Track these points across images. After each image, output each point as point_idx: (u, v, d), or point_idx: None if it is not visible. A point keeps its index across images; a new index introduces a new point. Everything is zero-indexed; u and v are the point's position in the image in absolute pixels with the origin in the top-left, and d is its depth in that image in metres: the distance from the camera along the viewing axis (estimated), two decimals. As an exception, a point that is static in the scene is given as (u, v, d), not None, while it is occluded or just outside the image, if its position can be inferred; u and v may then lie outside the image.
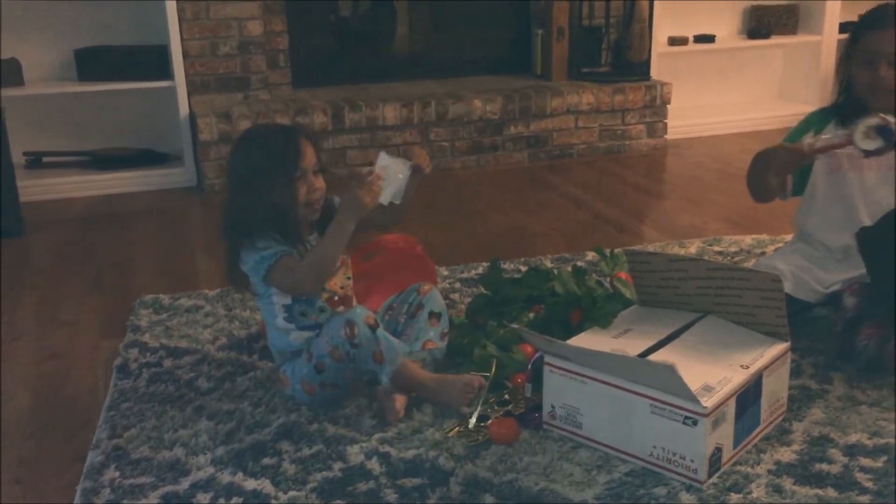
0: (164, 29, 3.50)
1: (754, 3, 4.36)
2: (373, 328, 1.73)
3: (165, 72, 3.56)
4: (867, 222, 2.02)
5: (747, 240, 2.77)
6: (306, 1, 3.88)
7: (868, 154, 1.87)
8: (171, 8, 3.46)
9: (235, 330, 2.20)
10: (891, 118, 1.83)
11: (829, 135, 1.95)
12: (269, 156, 1.75)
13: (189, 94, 3.59)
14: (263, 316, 1.87)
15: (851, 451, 1.63)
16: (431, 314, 1.92)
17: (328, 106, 3.58)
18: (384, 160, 1.77)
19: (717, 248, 2.72)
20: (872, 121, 1.83)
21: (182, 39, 3.53)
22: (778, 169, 2.00)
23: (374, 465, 1.61)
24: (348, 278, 1.88)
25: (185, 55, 3.56)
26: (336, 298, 1.85)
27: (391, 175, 1.76)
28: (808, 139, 1.97)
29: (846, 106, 2.05)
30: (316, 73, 3.96)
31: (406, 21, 4.24)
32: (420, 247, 2.25)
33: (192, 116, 3.51)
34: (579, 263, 2.59)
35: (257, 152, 1.76)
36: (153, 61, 3.54)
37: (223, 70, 3.66)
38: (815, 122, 2.12)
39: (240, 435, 1.72)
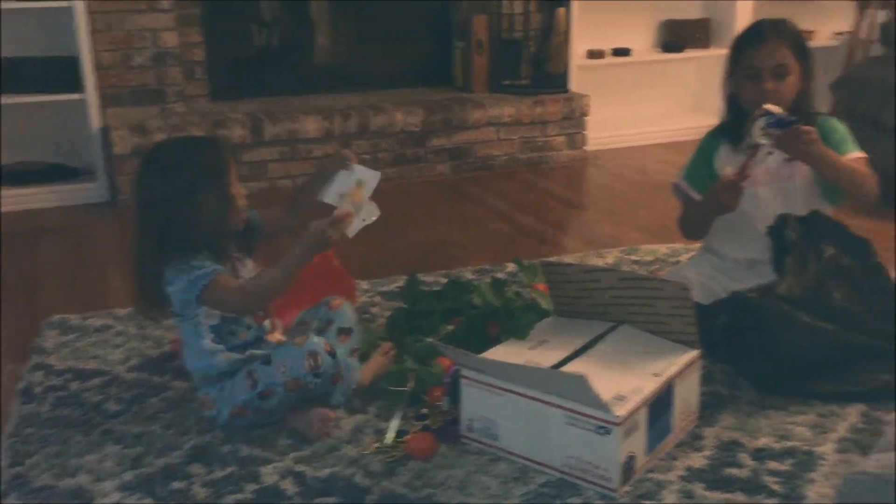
0: (74, 40, 3.39)
1: (668, 17, 4.47)
2: (332, 354, 1.73)
3: (76, 84, 3.45)
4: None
5: (663, 249, 2.83)
6: (224, 12, 3.82)
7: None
8: (81, 18, 3.36)
9: (147, 349, 2.13)
10: (770, 107, 1.89)
11: (735, 157, 2.02)
12: (200, 168, 1.70)
13: (102, 107, 3.49)
14: (184, 337, 1.80)
15: (760, 454, 1.67)
16: (341, 330, 1.88)
17: (247, 118, 3.52)
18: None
19: (634, 258, 2.77)
20: (761, 122, 1.89)
21: (94, 51, 3.43)
22: (725, 208, 2.00)
23: (289, 485, 1.58)
24: None
25: (98, 67, 3.47)
26: (261, 313, 1.82)
27: (360, 214, 1.76)
28: (727, 171, 2.02)
29: (733, 122, 2.11)
30: (235, 85, 3.90)
31: (327, 33, 4.21)
32: (337, 260, 2.23)
33: (105, 130, 3.42)
34: (499, 275, 2.61)
35: (185, 166, 1.71)
36: (63, 73, 3.43)
37: (137, 82, 3.57)
38: (707, 146, 2.17)
39: (149, 459, 1.67)
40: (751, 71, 2.01)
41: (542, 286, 2.16)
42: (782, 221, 1.93)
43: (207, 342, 1.75)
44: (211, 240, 1.71)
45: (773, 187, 2.06)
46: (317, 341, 1.72)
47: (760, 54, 2.00)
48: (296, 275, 1.73)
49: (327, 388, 1.75)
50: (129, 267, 1.82)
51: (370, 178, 1.81)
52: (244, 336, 1.77)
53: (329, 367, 1.71)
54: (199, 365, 1.78)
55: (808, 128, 1.90)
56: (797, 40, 2.03)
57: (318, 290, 2.13)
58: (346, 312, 1.91)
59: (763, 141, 1.91)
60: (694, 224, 2.17)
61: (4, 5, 3.33)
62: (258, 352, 1.76)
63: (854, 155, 2.03)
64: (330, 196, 1.82)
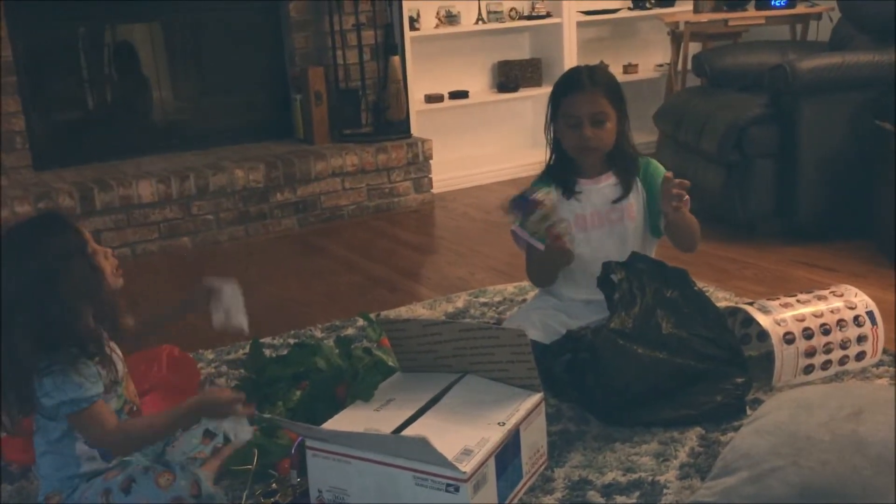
0: None
1: (501, 59, 4.61)
2: (197, 497, 1.63)
3: None
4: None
5: (510, 288, 2.88)
6: (45, 78, 3.65)
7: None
8: None
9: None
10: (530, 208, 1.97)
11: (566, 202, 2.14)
12: (56, 248, 1.56)
13: None
14: (46, 442, 1.64)
15: (608, 490, 1.71)
16: (206, 432, 1.82)
17: (74, 188, 3.35)
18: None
19: (482, 300, 2.80)
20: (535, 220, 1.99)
21: None
22: (563, 263, 2.09)
23: (128, 588, 1.48)
24: (133, 387, 1.76)
25: None
26: (135, 409, 1.72)
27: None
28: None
29: (560, 167, 2.19)
30: (61, 153, 3.72)
31: (160, 92, 4.09)
32: (175, 349, 2.15)
33: (-85, 211, 3.17)
34: (349, 331, 2.58)
35: (39, 251, 1.56)
36: None
37: (-51, 158, 3.35)
38: (536, 191, 2.24)
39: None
40: (571, 119, 2.09)
41: (387, 342, 2.14)
42: (606, 268, 2.01)
43: (80, 445, 1.63)
44: (88, 327, 1.58)
45: (605, 230, 2.14)
46: (184, 485, 1.62)
47: (579, 103, 2.07)
48: (173, 432, 1.68)
49: None
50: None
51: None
52: None
53: None
54: (62, 475, 1.64)
55: (682, 182, 1.99)
56: (612, 87, 2.11)
57: (161, 378, 2.07)
58: None
59: (550, 226, 1.99)
60: (541, 275, 2.23)
61: None
62: (119, 476, 1.63)
63: None
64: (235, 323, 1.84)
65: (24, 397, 1.59)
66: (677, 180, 1.97)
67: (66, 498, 1.63)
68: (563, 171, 2.17)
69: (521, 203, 1.96)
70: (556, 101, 2.12)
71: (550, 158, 2.20)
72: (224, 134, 4.10)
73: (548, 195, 2.00)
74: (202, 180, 3.57)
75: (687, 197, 2.16)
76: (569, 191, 2.17)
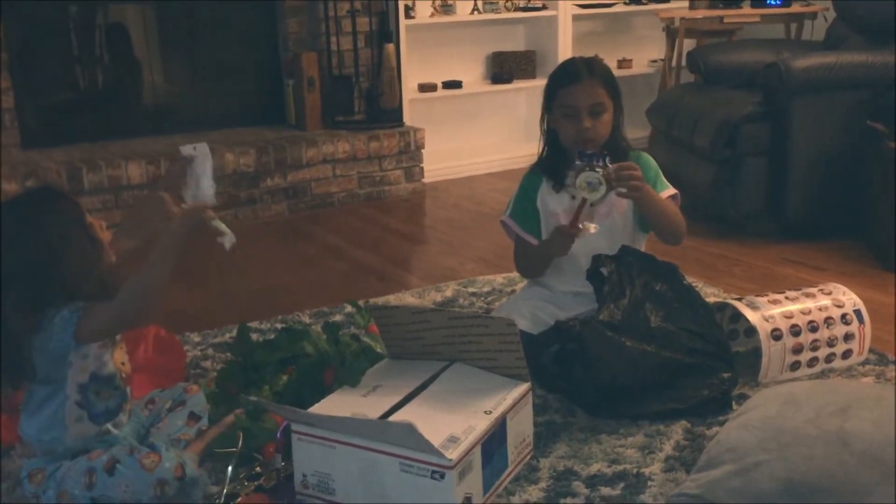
0: None
1: (495, 50, 4.60)
2: (181, 479, 1.62)
3: None
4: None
5: (499, 279, 2.87)
6: (37, 55, 3.61)
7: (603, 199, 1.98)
8: None
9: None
10: (598, 165, 1.94)
11: (555, 195, 2.08)
12: (58, 221, 1.58)
13: None
14: (33, 404, 1.64)
15: (593, 481, 1.71)
16: (192, 415, 1.82)
17: (63, 167, 3.33)
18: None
19: (471, 290, 2.80)
20: (582, 177, 1.93)
21: None
22: (559, 253, 2.08)
23: (108, 568, 1.47)
24: (126, 354, 1.75)
25: None
26: (124, 376, 1.72)
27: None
28: (561, 220, 2.07)
29: (553, 159, 2.18)
30: (50, 132, 3.69)
31: (153, 74, 4.06)
32: (162, 330, 2.14)
33: None
34: (337, 317, 2.57)
35: (42, 224, 1.57)
36: None
37: (-65, 134, 3.32)
38: (528, 183, 2.22)
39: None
40: (569, 110, 2.07)
41: (375, 328, 2.13)
42: (596, 262, 2.00)
43: (71, 406, 1.62)
44: (93, 290, 1.60)
45: (595, 224, 2.13)
46: (168, 467, 1.61)
47: (577, 94, 2.06)
48: (172, 266, 1.61)
49: None
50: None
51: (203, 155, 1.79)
52: (108, 398, 1.67)
53: (176, 491, 1.62)
54: (47, 437, 1.64)
55: (631, 164, 1.99)
56: (609, 78, 2.11)
57: (147, 359, 2.06)
58: (199, 400, 1.85)
59: (585, 195, 1.95)
60: (530, 266, 2.23)
61: None
62: (103, 456, 1.62)
63: (667, 193, 2.13)
64: (204, 192, 1.79)
65: (15, 370, 1.60)
66: (624, 164, 1.96)
67: (49, 475, 1.62)
68: (554, 164, 2.16)
69: (594, 157, 1.92)
70: (552, 92, 2.11)
71: (542, 151, 2.19)
72: (215, 118, 4.07)
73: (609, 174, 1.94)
74: (192, 163, 3.54)
75: (675, 192, 2.16)
76: (559, 183, 2.17)
